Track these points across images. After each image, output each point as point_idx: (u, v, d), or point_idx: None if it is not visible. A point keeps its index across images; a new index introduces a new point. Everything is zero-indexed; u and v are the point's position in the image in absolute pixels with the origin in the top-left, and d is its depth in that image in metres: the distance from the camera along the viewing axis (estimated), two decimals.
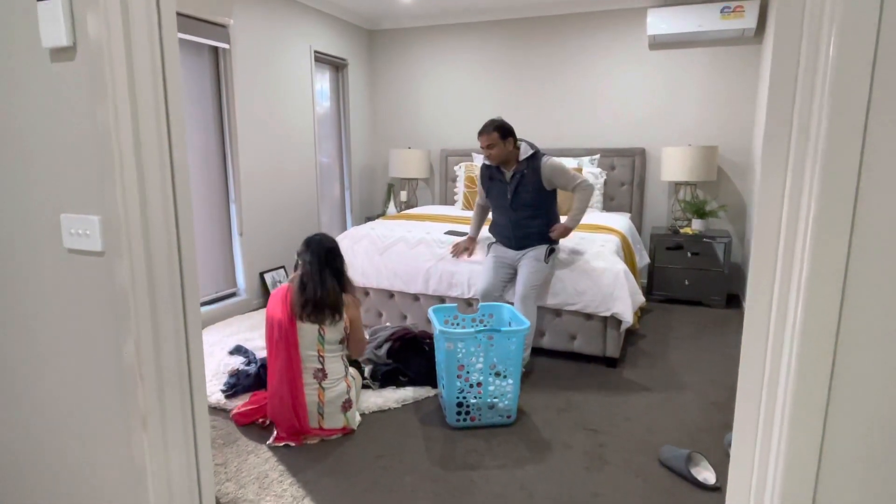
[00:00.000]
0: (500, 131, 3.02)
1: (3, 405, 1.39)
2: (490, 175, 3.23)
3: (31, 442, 1.37)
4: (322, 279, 2.39)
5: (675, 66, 4.68)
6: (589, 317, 3.21)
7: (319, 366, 2.40)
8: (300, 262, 2.46)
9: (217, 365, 3.12)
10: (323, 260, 2.42)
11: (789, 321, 0.88)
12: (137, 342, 1.17)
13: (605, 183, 4.88)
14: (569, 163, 4.77)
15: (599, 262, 3.18)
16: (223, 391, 2.79)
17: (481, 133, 3.05)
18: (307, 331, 2.38)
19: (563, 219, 3.25)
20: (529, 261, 3.11)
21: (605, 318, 3.16)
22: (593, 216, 4.41)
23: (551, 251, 3.15)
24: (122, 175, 1.12)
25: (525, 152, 3.09)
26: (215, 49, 3.94)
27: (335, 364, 2.44)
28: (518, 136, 3.16)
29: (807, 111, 0.82)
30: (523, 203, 3.12)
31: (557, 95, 5.07)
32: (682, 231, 4.49)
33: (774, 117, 0.87)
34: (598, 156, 4.85)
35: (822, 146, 0.80)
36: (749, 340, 0.95)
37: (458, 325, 2.92)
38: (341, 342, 2.47)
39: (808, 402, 0.87)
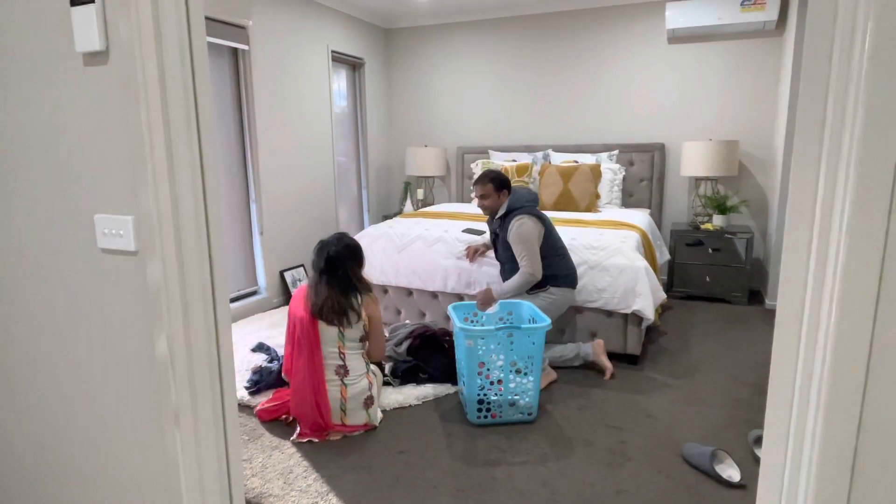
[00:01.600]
0: (494, 183, 3.00)
1: (37, 402, 1.43)
2: (489, 225, 3.23)
3: (64, 438, 1.41)
4: (319, 289, 2.40)
5: (694, 60, 4.63)
6: (610, 314, 3.19)
7: (341, 362, 2.43)
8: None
9: (240, 362, 3.17)
10: (325, 269, 2.42)
11: (822, 322, 0.87)
12: (170, 339, 1.19)
13: (624, 179, 4.84)
14: (586, 159, 4.76)
15: (620, 258, 3.16)
16: (247, 388, 2.83)
17: (476, 182, 3.06)
18: (327, 329, 2.41)
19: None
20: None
21: (625, 316, 3.15)
22: (612, 212, 4.38)
23: (536, 287, 3.00)
24: (155, 176, 1.14)
25: (502, 209, 3.04)
26: (235, 50, 3.99)
27: (357, 361, 2.46)
28: (513, 186, 3.09)
29: (841, 106, 0.81)
30: (503, 258, 3.10)
31: (575, 91, 5.04)
32: (702, 227, 4.44)
33: (806, 112, 0.86)
34: (616, 151, 4.82)
35: (857, 141, 0.79)
36: (780, 341, 0.94)
37: (477, 322, 2.92)
38: (362, 340, 2.49)
39: (841, 404, 0.86)
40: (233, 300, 4.10)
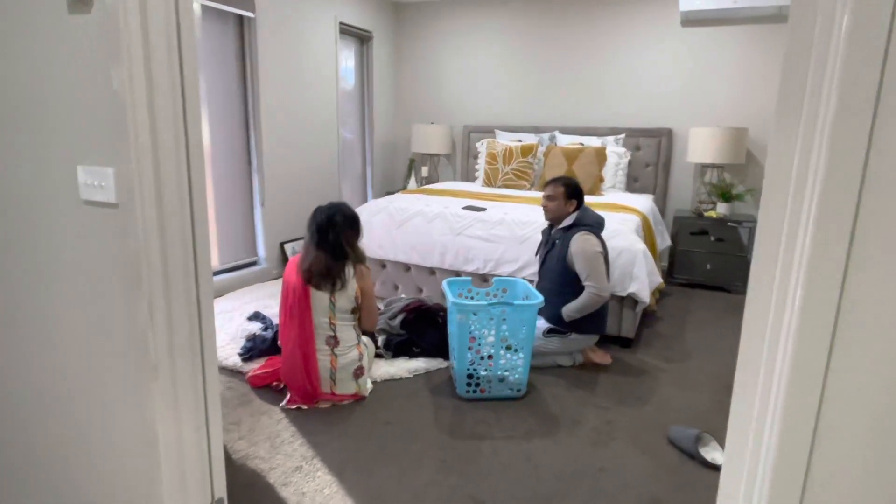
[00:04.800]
0: (567, 188, 2.84)
1: (17, 356, 1.44)
2: (544, 234, 3.05)
3: (43, 392, 1.43)
4: (309, 252, 2.40)
5: (707, 44, 4.54)
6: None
7: (332, 333, 2.44)
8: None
9: (236, 330, 3.19)
10: (316, 232, 2.41)
11: (787, 309, 0.86)
12: (149, 293, 1.20)
13: (630, 163, 4.78)
14: (592, 142, 4.70)
15: (618, 240, 3.14)
16: (240, 354, 2.86)
17: (549, 182, 2.89)
18: (319, 298, 2.41)
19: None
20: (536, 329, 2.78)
21: (621, 298, 3.13)
22: (615, 196, 4.34)
23: (552, 331, 2.85)
24: (136, 129, 1.14)
25: (567, 220, 2.85)
26: (240, 18, 3.95)
27: (347, 332, 2.47)
28: (584, 202, 2.92)
29: (818, 84, 0.79)
30: (548, 272, 2.89)
31: (584, 73, 4.97)
32: (706, 214, 4.40)
33: (786, 96, 0.84)
34: (623, 135, 4.76)
35: (829, 123, 0.77)
36: (749, 326, 0.93)
37: (471, 298, 2.92)
38: (353, 312, 2.50)
39: (802, 390, 0.86)
40: (232, 270, 4.12)
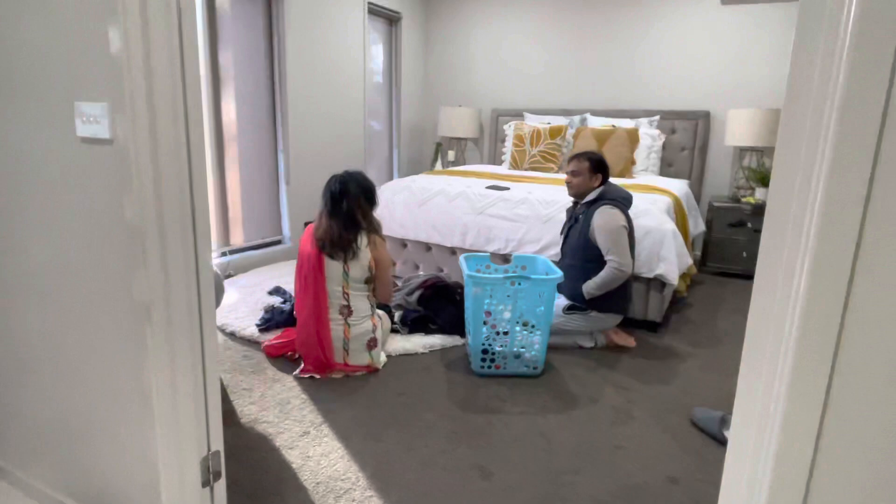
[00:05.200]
0: (591, 162, 2.73)
1: (19, 293, 1.45)
2: (569, 213, 2.94)
3: (51, 324, 1.43)
4: (322, 221, 2.39)
5: (747, 23, 4.32)
6: (632, 278, 3.05)
7: (345, 302, 2.41)
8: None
9: (255, 303, 3.21)
10: (329, 200, 2.40)
11: (792, 297, 0.78)
12: (143, 234, 1.18)
13: (664, 147, 4.61)
14: (625, 124, 4.55)
15: (647, 220, 3.01)
16: (258, 325, 2.87)
17: (572, 157, 2.79)
18: (334, 267, 2.39)
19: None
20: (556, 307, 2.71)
21: (648, 280, 3.00)
22: (648, 178, 4.19)
23: (572, 308, 2.75)
24: (130, 63, 1.11)
25: (591, 195, 2.75)
26: None
27: (361, 302, 2.44)
28: (610, 177, 2.80)
29: (826, 70, 0.71)
30: (570, 248, 2.79)
31: (618, 53, 4.81)
32: (743, 200, 4.20)
33: (796, 77, 0.77)
34: (657, 118, 4.59)
35: (837, 106, 0.69)
36: (754, 317, 0.86)
37: (489, 274, 2.85)
38: (367, 282, 2.46)
39: (806, 378, 0.78)
40: (257, 248, 4.15)
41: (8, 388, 1.60)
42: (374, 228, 2.45)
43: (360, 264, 2.40)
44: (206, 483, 1.40)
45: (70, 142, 1.23)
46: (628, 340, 2.87)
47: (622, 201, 2.74)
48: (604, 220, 2.63)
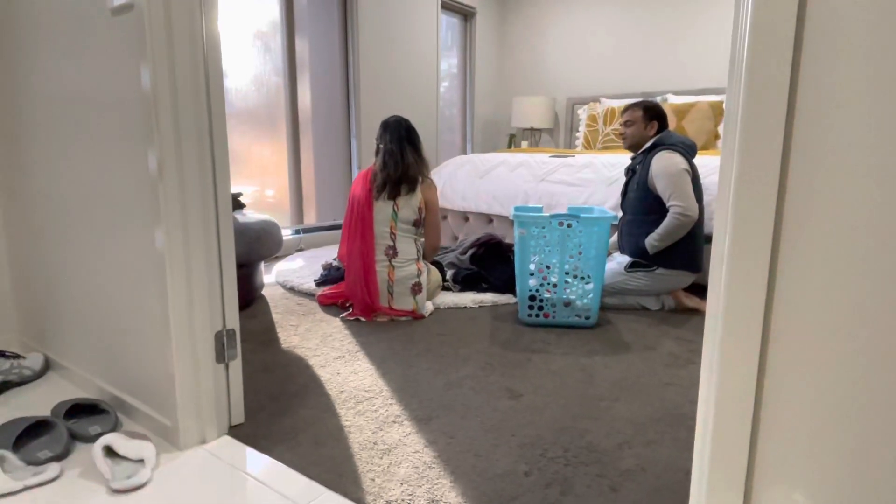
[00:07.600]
0: (645, 111, 2.56)
1: (46, 177, 1.58)
2: (627, 171, 2.74)
3: (67, 211, 1.53)
4: (402, 155, 2.44)
5: None
6: (707, 239, 2.79)
7: (391, 243, 2.41)
8: (380, 145, 2.50)
9: (318, 266, 3.31)
10: (403, 136, 2.47)
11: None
12: (154, 100, 1.24)
13: None
14: (702, 101, 4.25)
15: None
16: (315, 280, 2.95)
17: (626, 108, 2.63)
18: (382, 208, 2.41)
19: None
20: (615, 263, 2.61)
21: None
22: None
23: (635, 265, 2.55)
24: None
25: (647, 144, 2.57)
26: None
27: (407, 244, 2.43)
28: (666, 120, 2.60)
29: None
30: (630, 202, 2.60)
31: (699, 30, 4.55)
32: None
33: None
34: None
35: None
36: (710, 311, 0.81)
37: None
38: (415, 224, 2.46)
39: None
40: (328, 228, 4.31)
41: (58, 286, 1.75)
42: (426, 171, 2.49)
43: (411, 205, 2.41)
44: (220, 359, 1.43)
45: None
46: (702, 304, 2.61)
47: (683, 147, 2.53)
48: (663, 164, 2.44)
